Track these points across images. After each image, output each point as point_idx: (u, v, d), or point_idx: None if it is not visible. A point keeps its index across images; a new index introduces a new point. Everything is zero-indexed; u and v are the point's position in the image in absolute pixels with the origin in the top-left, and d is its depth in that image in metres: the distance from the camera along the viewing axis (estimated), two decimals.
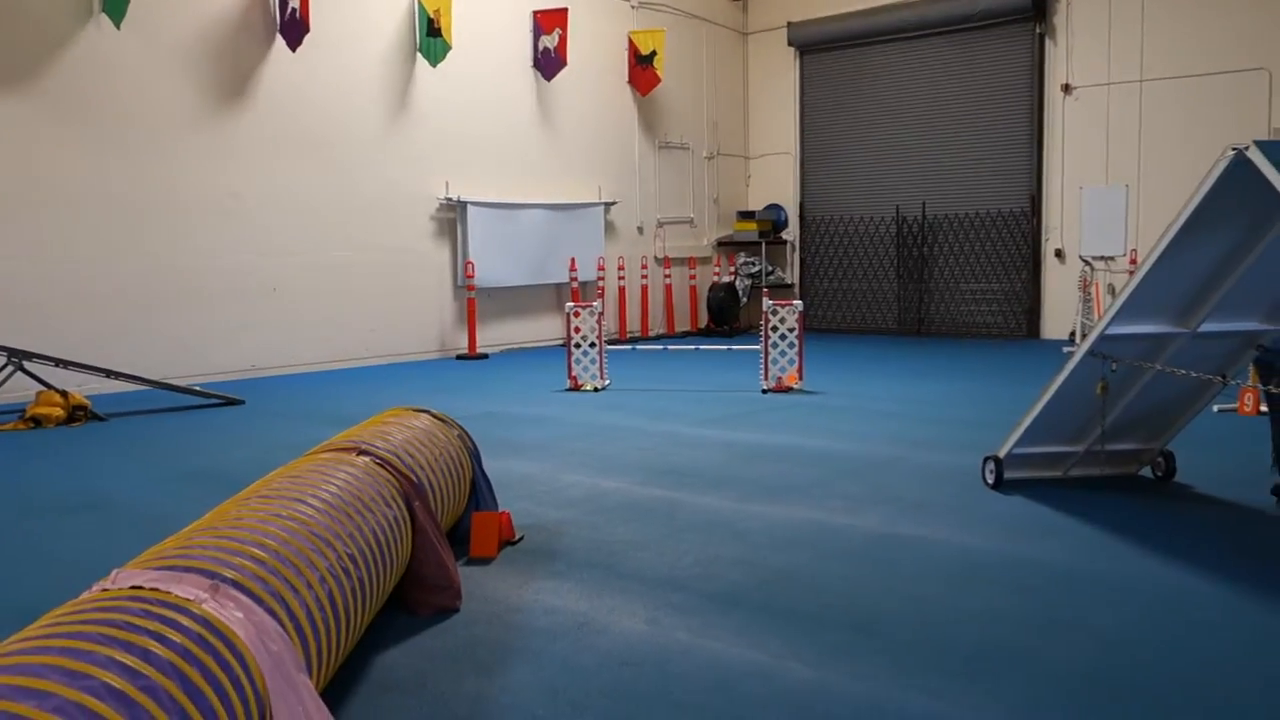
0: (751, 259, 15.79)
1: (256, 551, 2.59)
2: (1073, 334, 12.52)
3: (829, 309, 15.62)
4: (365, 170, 11.53)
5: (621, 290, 14.37)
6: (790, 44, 15.63)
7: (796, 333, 9.03)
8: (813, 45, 15.54)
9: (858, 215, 15.27)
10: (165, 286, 9.94)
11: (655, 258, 15.03)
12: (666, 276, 14.97)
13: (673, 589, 3.82)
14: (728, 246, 16.05)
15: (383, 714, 2.83)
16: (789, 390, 8.96)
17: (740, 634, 3.35)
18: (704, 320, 15.51)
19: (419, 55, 11.89)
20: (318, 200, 11.12)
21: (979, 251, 14.17)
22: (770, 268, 15.77)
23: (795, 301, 9.05)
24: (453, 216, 12.44)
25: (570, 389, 9.34)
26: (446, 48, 11.73)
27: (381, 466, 3.68)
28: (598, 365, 9.43)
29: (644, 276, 14.62)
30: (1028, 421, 5.12)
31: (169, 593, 2.23)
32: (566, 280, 13.53)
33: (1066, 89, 13.29)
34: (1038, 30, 13.43)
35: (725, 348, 10.46)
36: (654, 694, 2.90)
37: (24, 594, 3.92)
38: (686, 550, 4.31)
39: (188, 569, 2.39)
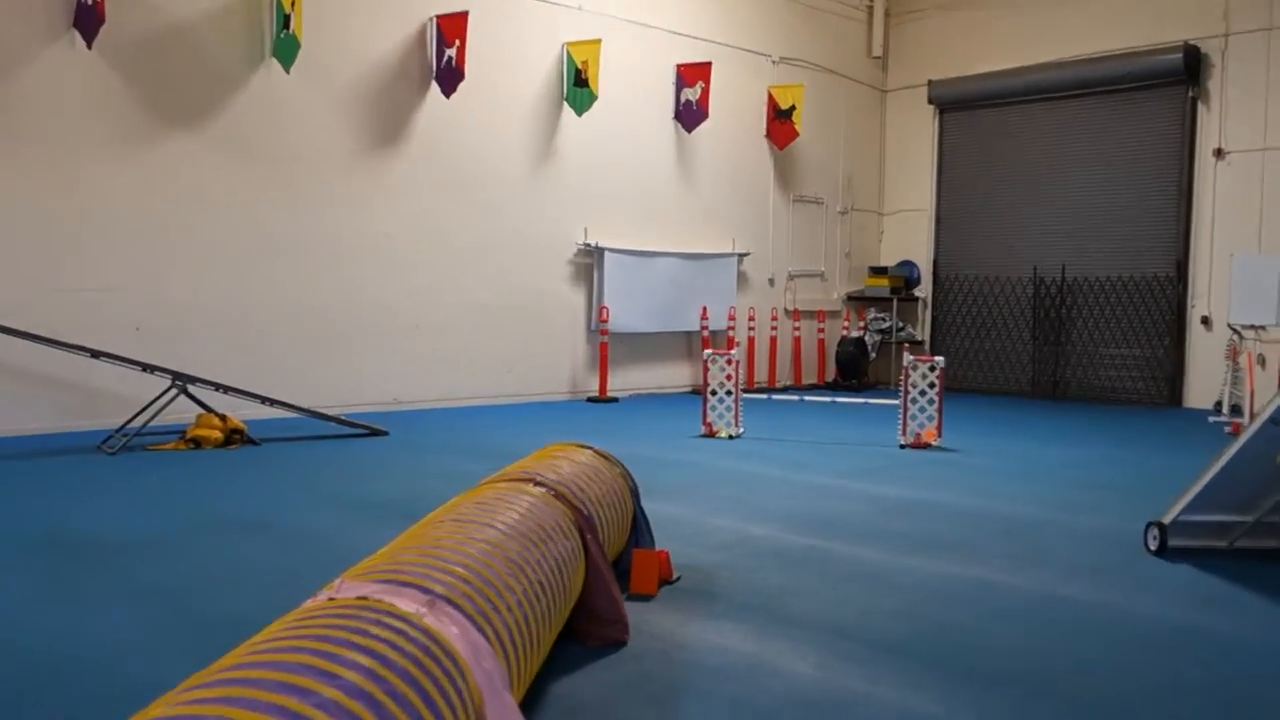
0: (882, 315, 15.66)
1: (462, 571, 2.68)
2: (1219, 403, 12.09)
3: (960, 367, 15.38)
4: (508, 214, 11.82)
5: (751, 340, 14.38)
6: (930, 102, 15.56)
7: (937, 389, 8.92)
8: (954, 103, 15.44)
9: (993, 274, 15.04)
10: (316, 320, 10.32)
11: (785, 309, 15.02)
12: (796, 329, 14.94)
13: (838, 636, 3.80)
14: (858, 301, 15.96)
15: None
16: (927, 446, 8.84)
17: (913, 686, 3.32)
18: (830, 374, 15.40)
19: (565, 104, 12.19)
20: (462, 241, 11.44)
21: (1120, 316, 13.82)
22: (901, 324, 15.62)
23: (937, 358, 8.95)
24: (589, 262, 12.65)
25: (705, 435, 9.38)
26: (592, 98, 12.01)
27: (556, 498, 3.76)
28: (733, 413, 9.44)
29: (774, 328, 14.63)
30: (1197, 488, 4.98)
31: (394, 605, 2.32)
32: (697, 329, 13.61)
33: (1219, 154, 12.94)
34: (1190, 94, 13.13)
35: (860, 401, 10.37)
36: None
37: (225, 602, 4.09)
38: (846, 599, 4.29)
39: (404, 584, 2.49)
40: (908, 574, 4.70)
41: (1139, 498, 6.41)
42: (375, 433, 9.06)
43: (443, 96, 11.04)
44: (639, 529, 4.52)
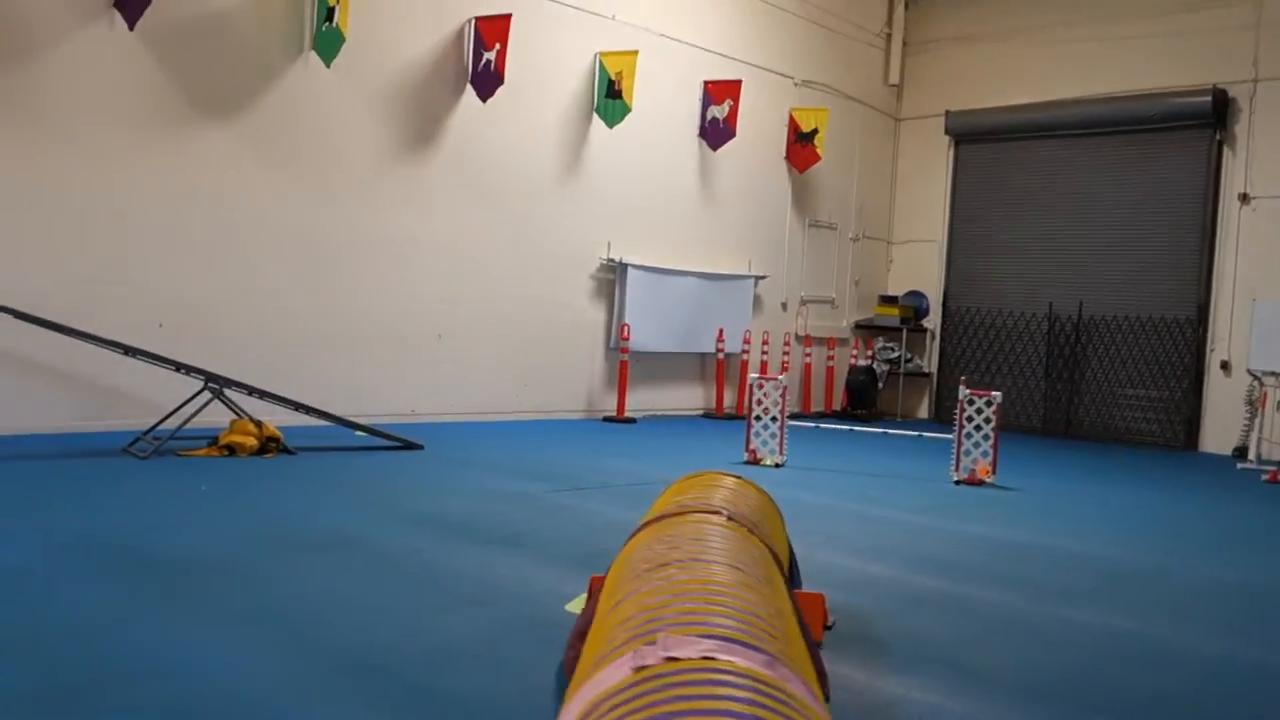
0: (891, 344, 15.49)
1: (765, 625, 2.35)
2: (1239, 449, 12.03)
3: None
4: (534, 225, 11.48)
5: (763, 365, 14.12)
6: (947, 132, 15.46)
7: (993, 425, 8.69)
8: (971, 135, 15.35)
9: (1006, 309, 14.92)
10: (335, 324, 9.88)
11: (796, 335, 14.79)
12: (807, 355, 14.71)
13: (1040, 698, 3.50)
14: (865, 330, 15.78)
15: None
16: (981, 483, 8.60)
17: None
18: (838, 402, 15.18)
19: (595, 115, 11.88)
20: (487, 250, 11.07)
21: (1137, 357, 13.74)
22: (909, 355, 15.46)
23: (994, 393, 8.73)
24: (611, 277, 12.33)
25: (749, 462, 9.07)
26: (626, 110, 11.71)
27: (750, 534, 3.44)
28: (777, 440, 9.15)
29: (785, 353, 14.38)
30: None
31: (748, 667, 1.98)
32: (712, 350, 13.34)
33: (1244, 198, 12.94)
34: (1216, 137, 13.13)
35: (914, 434, 10.04)
36: None
37: (347, 633, 3.70)
38: (1025, 654, 4.00)
39: (727, 639, 2.15)
40: (1067, 626, 4.42)
41: (1226, 546, 6.21)
42: (410, 446, 8.65)
43: (474, 101, 10.69)
44: (795, 567, 4.21)
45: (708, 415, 13.49)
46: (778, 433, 9.16)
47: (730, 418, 13.35)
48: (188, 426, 7.77)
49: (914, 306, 15.59)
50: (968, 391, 8.80)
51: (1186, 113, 13.19)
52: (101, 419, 8.46)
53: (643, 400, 12.70)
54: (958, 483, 8.61)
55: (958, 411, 8.80)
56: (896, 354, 15.37)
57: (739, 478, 4.34)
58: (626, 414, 12.19)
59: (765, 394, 9.17)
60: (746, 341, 13.69)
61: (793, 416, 14.02)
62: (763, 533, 3.59)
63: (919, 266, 16.02)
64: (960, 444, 8.78)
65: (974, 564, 5.54)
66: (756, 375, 9.36)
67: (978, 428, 8.75)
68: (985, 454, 8.74)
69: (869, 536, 6.10)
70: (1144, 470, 10.84)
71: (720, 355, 13.36)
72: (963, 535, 6.35)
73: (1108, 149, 14.09)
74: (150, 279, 8.69)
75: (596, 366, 12.33)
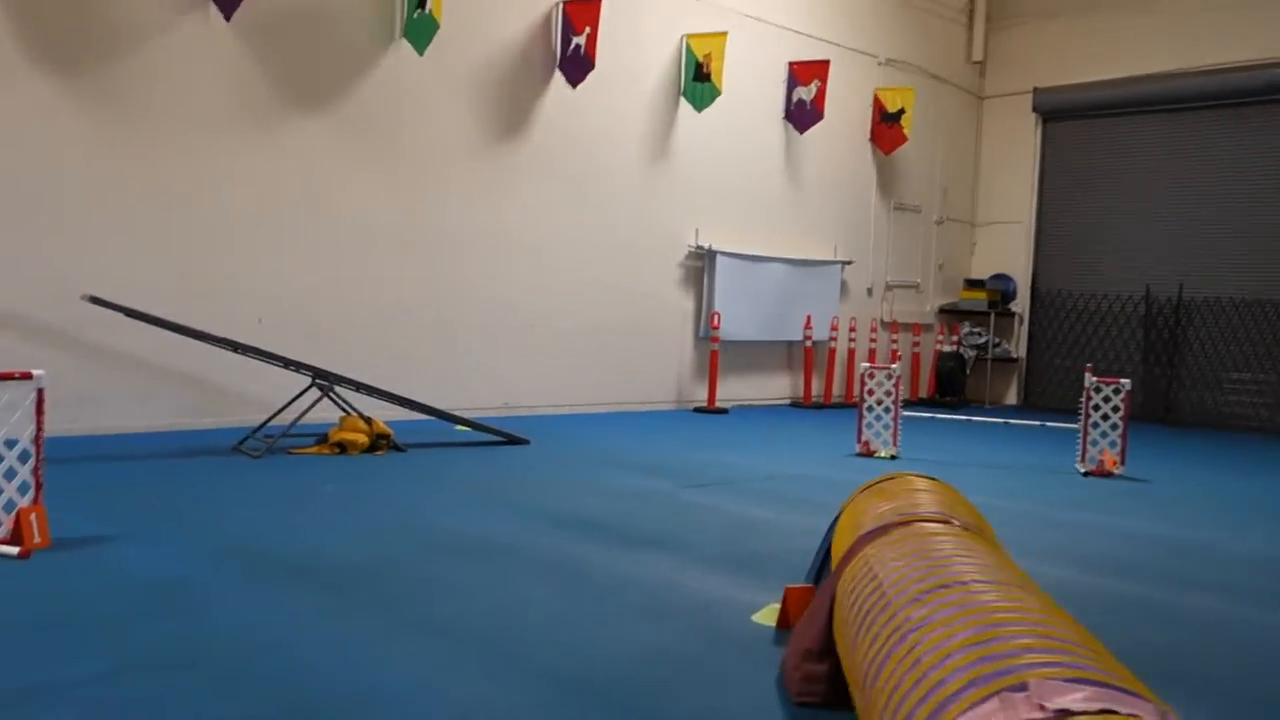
0: (978, 329, 15.09)
1: (1098, 658, 2.08)
2: None
3: (1058, 387, 14.82)
4: (623, 212, 11.22)
5: (850, 353, 13.80)
6: (1035, 110, 15.00)
7: (1121, 414, 8.33)
8: (1060, 112, 14.89)
9: (1100, 291, 14.47)
10: (428, 317, 9.69)
11: (882, 321, 14.44)
12: (893, 341, 14.35)
13: None
14: (949, 315, 15.38)
15: None
16: (1109, 475, 8.25)
17: None
18: (924, 389, 14.81)
19: (682, 99, 11.59)
20: (577, 239, 10.83)
21: (1242, 339, 13.26)
22: (996, 340, 15.06)
23: (1122, 380, 8.36)
24: (699, 265, 12.05)
25: (861, 454, 8.78)
26: (715, 93, 11.41)
27: (997, 546, 3.16)
28: (891, 431, 8.84)
29: (872, 340, 14.03)
30: None
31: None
32: (799, 338, 13.03)
33: None
34: None
35: (1035, 424, 9.62)
36: None
37: (546, 650, 3.46)
38: (1247, 662, 3.69)
39: (1097, 684, 1.88)
40: None
41: None
42: (515, 441, 8.43)
43: (562, 87, 10.48)
44: None
45: (795, 404, 13.19)
46: (891, 424, 8.85)
47: (818, 406, 13.05)
48: (281, 422, 7.60)
49: (1001, 290, 15.18)
50: (1094, 379, 8.44)
51: None
52: (203, 416, 8.34)
53: (730, 390, 12.42)
54: (1085, 474, 8.26)
55: (1083, 400, 8.44)
56: (984, 339, 14.97)
57: (929, 477, 4.06)
58: (717, 404, 11.92)
59: (878, 383, 8.85)
60: (834, 329, 13.37)
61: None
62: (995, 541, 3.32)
63: (1003, 249, 15.60)
64: (1087, 434, 8.43)
65: (1149, 563, 5.23)
66: (868, 364, 9.04)
67: (1105, 417, 8.40)
68: (1113, 444, 8.39)
69: (1028, 535, 5.78)
70: (1267, 458, 10.41)
71: (808, 343, 13.04)
72: (1122, 531, 6.02)
73: (1207, 124, 13.59)
74: (248, 273, 8.54)
75: (685, 356, 12.07)
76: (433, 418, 8.38)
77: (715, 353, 11.87)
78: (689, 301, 12.04)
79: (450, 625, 3.69)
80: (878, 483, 4.06)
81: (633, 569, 4.59)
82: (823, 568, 3.99)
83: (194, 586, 3.99)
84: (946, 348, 14.80)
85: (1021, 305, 15.28)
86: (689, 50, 11.45)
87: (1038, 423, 8.70)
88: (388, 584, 4.18)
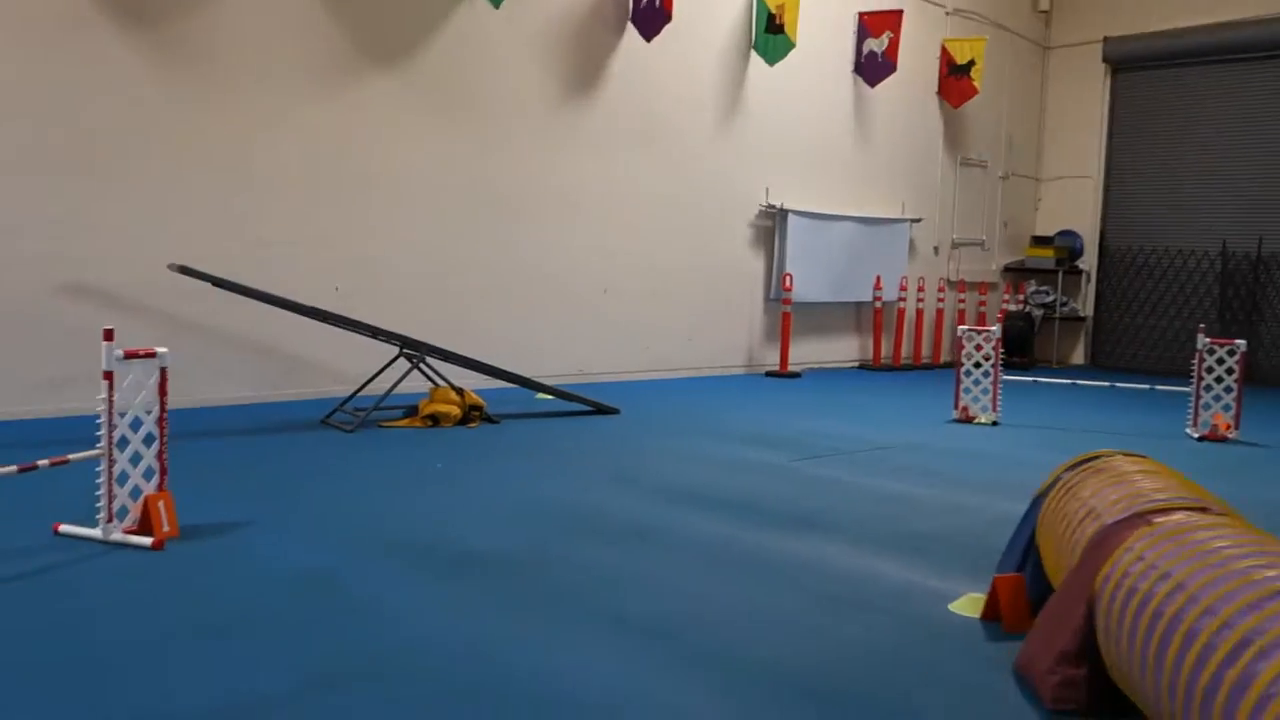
0: (1044, 288, 14.69)
1: None
2: None
3: (1128, 346, 14.45)
4: (694, 171, 10.86)
5: (919, 314, 13.45)
6: (1105, 60, 14.50)
7: (1235, 376, 7.99)
8: (1132, 62, 14.38)
9: (1174, 248, 14.05)
10: (506, 281, 9.39)
11: (949, 280, 14.06)
12: (961, 301, 13.98)
13: None
14: (1016, 273, 14.98)
15: None
16: (1224, 440, 7.92)
17: None
18: None
19: (753, 52, 11.18)
20: (648, 200, 10.48)
21: None
22: (1064, 299, 14.66)
23: (1237, 341, 8.01)
24: (769, 225, 11.69)
25: (959, 420, 8.46)
26: (789, 45, 10.99)
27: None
28: (990, 396, 8.52)
29: (940, 300, 13.67)
30: None
31: None
32: (868, 299, 12.69)
33: None
34: None
35: (1144, 387, 9.20)
36: None
37: (750, 650, 3.17)
38: None
39: None
40: None
41: None
42: (605, 410, 8.15)
43: (632, 43, 10.09)
44: None
45: (864, 366, 12.86)
46: (990, 388, 8.53)
47: (888, 368, 12.73)
48: (373, 394, 7.33)
49: (1069, 247, 14.76)
50: (1207, 340, 8.08)
51: None
52: (283, 388, 8.08)
53: (799, 353, 12.09)
54: (1200, 439, 7.93)
55: (1195, 362, 8.10)
56: (1051, 298, 14.57)
57: (1138, 455, 3.75)
58: (789, 368, 11.60)
59: (976, 347, 8.52)
60: (903, 289, 13.01)
61: (948, 365, 13.38)
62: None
63: (1069, 204, 15.16)
64: (1199, 397, 8.09)
65: None
66: (964, 328, 8.71)
67: (1219, 379, 8.06)
68: (1227, 408, 8.05)
69: None
70: None
71: (877, 304, 12.70)
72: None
73: None
74: (323, 238, 8.24)
75: (756, 319, 11.74)
76: (512, 385, 8.09)
77: (787, 315, 11.53)
78: (759, 262, 11.70)
79: (635, 619, 3.42)
80: (1081, 464, 3.75)
81: (798, 552, 4.31)
82: (1025, 555, 3.70)
83: (349, 580, 3.72)
84: (1013, 307, 14.41)
85: (1089, 262, 14.86)
86: (761, 1, 11.02)
87: (1146, 386, 8.36)
88: (550, 573, 3.91)
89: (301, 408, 7.69)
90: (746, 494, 5.42)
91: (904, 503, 5.37)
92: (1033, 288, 14.75)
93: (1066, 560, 3.27)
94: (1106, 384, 8.83)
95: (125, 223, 7.22)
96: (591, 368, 10.10)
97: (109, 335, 4.09)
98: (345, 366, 8.18)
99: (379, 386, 7.41)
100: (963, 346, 8.54)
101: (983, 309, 14.48)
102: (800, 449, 6.86)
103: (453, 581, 3.77)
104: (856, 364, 12.95)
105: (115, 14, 7.11)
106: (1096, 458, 3.76)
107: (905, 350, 13.26)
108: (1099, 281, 14.83)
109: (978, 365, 8.51)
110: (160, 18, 7.32)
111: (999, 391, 8.52)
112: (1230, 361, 7.99)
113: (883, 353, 12.88)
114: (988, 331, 8.53)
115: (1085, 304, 14.91)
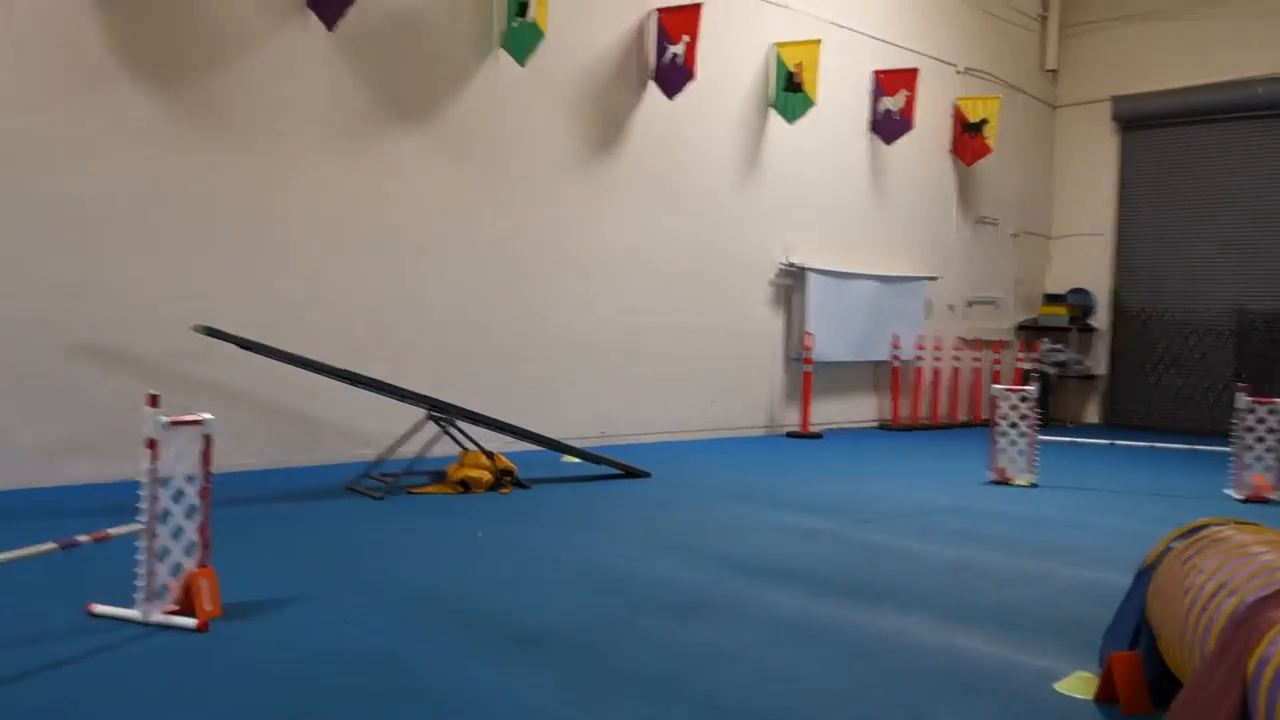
0: (1058, 345, 14.57)
1: None
2: None
3: (1141, 404, 14.30)
4: (713, 229, 10.74)
5: (936, 373, 13.31)
6: (1115, 118, 14.52)
7: (1278, 436, 7.82)
8: (1141, 120, 14.40)
9: (1189, 307, 13.96)
10: (521, 338, 9.20)
11: (965, 339, 13.93)
12: (976, 360, 13.84)
13: None
14: (1029, 331, 14.87)
15: None
16: (1265, 501, 7.74)
17: None
18: None
19: (772, 110, 11.13)
20: (669, 258, 10.35)
21: None
22: (1078, 357, 14.54)
23: (1278, 400, 7.86)
24: (789, 284, 11.56)
25: (996, 481, 8.27)
26: (808, 103, 10.93)
27: None
28: (1026, 458, 8.33)
29: (956, 358, 13.53)
30: None
31: None
32: (886, 358, 12.54)
33: None
34: None
35: (1186, 447, 8.99)
36: None
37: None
38: None
39: None
40: None
41: None
42: (635, 474, 7.93)
43: (654, 100, 10.02)
44: None
45: (883, 426, 12.68)
46: (1026, 449, 8.34)
47: (907, 428, 12.55)
48: (400, 458, 7.11)
49: (1081, 305, 14.67)
50: (1249, 399, 7.93)
51: None
52: (304, 453, 7.84)
53: (818, 413, 11.88)
54: (1244, 500, 7.75)
55: (1236, 422, 7.94)
56: (1064, 356, 14.44)
57: (1246, 522, 3.56)
58: (810, 429, 11.41)
59: (1011, 406, 8.35)
60: (919, 347, 12.88)
61: (966, 424, 13.21)
62: None
63: (1080, 262, 15.09)
64: (1240, 457, 7.92)
65: None
66: (998, 387, 8.54)
67: (1260, 439, 7.90)
68: (1268, 468, 7.88)
69: None
70: None
71: (896, 363, 12.55)
72: None
73: None
74: (343, 295, 8.06)
75: (776, 379, 11.57)
76: (539, 448, 7.88)
77: (808, 374, 11.36)
78: (778, 321, 11.55)
79: (735, 706, 3.19)
80: (1189, 533, 3.56)
81: (877, 627, 4.09)
82: (1137, 632, 3.49)
83: (416, 663, 3.49)
84: (1026, 365, 14.26)
85: (1100, 320, 14.76)
86: (780, 60, 10.99)
87: (1185, 446, 8.21)
88: (626, 653, 3.68)
89: (324, 473, 7.46)
90: (804, 562, 5.20)
91: (968, 571, 5.16)
92: (1045, 345, 14.63)
93: (1191, 638, 3.07)
94: (1145, 444, 8.65)
95: (143, 283, 7.02)
96: (614, 429, 9.89)
97: (154, 401, 3.87)
98: (368, 428, 7.95)
99: (403, 450, 7.19)
100: (998, 406, 8.36)
101: (997, 368, 14.33)
102: (845, 514, 6.65)
103: (528, 665, 3.53)
104: (876, 424, 12.77)
105: (138, 75, 6.98)
106: (1205, 526, 3.57)
107: (923, 409, 13.09)
108: (1113, 339, 14.71)
109: (1014, 425, 8.33)
110: (183, 78, 7.20)
111: (1035, 453, 8.32)
112: (1271, 421, 7.83)
113: (901, 412, 12.71)
114: (1024, 391, 8.37)
115: (1099, 362, 14.78)
